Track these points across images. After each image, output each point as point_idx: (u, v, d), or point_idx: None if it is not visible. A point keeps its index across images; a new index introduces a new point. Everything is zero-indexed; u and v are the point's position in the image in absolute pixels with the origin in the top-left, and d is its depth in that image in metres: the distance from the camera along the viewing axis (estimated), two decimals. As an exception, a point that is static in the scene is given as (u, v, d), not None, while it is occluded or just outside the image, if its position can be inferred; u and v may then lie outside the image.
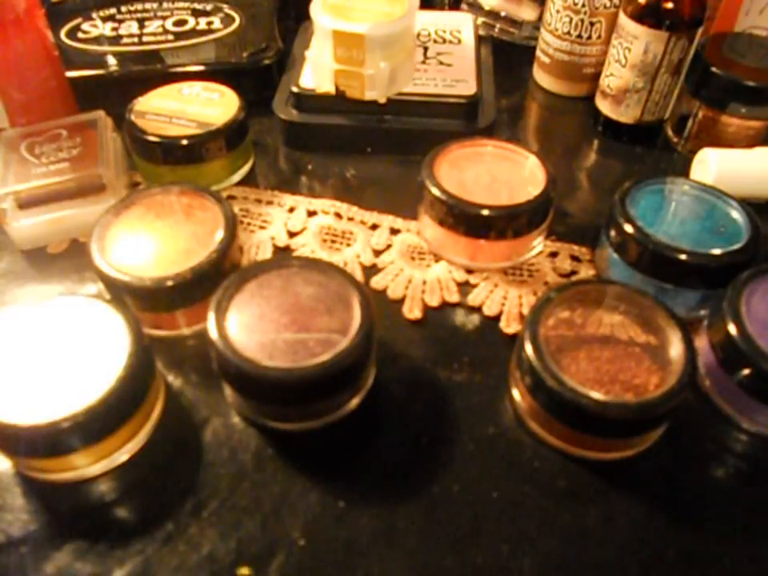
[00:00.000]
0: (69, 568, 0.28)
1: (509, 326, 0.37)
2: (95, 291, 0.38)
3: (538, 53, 0.54)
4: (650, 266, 0.35)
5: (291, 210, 0.43)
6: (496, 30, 0.56)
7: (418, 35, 0.51)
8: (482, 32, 0.54)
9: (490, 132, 0.46)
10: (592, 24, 0.49)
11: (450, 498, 0.30)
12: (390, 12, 0.42)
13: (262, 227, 0.42)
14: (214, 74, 0.47)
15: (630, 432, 0.30)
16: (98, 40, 0.51)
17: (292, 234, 0.41)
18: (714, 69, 0.44)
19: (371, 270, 0.39)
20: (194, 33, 0.52)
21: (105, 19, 0.53)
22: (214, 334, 0.30)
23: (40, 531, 0.29)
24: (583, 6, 0.48)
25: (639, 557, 0.28)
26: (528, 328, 0.31)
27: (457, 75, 0.47)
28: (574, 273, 0.40)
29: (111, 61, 0.49)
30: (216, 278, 0.33)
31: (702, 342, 0.34)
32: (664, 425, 0.31)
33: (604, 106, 0.49)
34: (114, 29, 0.52)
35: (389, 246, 0.41)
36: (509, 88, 0.54)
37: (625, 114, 0.48)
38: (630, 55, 0.45)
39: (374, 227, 0.42)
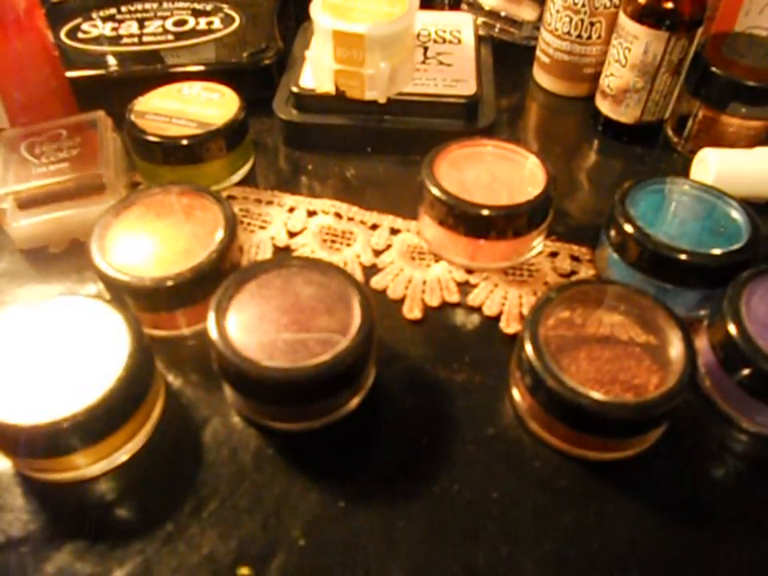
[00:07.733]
0: (69, 568, 0.28)
1: (509, 326, 0.37)
2: (95, 291, 0.38)
3: (538, 53, 0.54)
4: (650, 266, 0.35)
5: (291, 210, 0.43)
6: (496, 30, 0.56)
7: (418, 35, 0.51)
8: (482, 32, 0.54)
9: (490, 132, 0.46)
10: (592, 24, 0.49)
11: (450, 498, 0.30)
12: (389, 12, 0.42)
13: (261, 227, 0.42)
14: (213, 74, 0.47)
15: (630, 432, 0.30)
16: (97, 40, 0.51)
17: (292, 234, 0.41)
18: (714, 69, 0.44)
19: (371, 270, 0.39)
20: (194, 33, 0.52)
21: (105, 19, 0.53)
22: (214, 334, 0.30)
23: (40, 531, 0.29)
24: (583, 5, 0.48)
25: (639, 557, 0.28)
26: (528, 328, 0.31)
27: (457, 75, 0.47)
28: (573, 273, 0.40)
29: (111, 61, 0.49)
30: (216, 278, 0.33)
31: (701, 342, 0.33)
32: (664, 425, 0.31)
33: (604, 106, 0.49)
34: (114, 29, 0.52)
35: (389, 246, 0.41)
36: (509, 88, 0.54)
37: (625, 114, 0.48)
38: (629, 55, 0.45)
39: (374, 227, 0.42)
